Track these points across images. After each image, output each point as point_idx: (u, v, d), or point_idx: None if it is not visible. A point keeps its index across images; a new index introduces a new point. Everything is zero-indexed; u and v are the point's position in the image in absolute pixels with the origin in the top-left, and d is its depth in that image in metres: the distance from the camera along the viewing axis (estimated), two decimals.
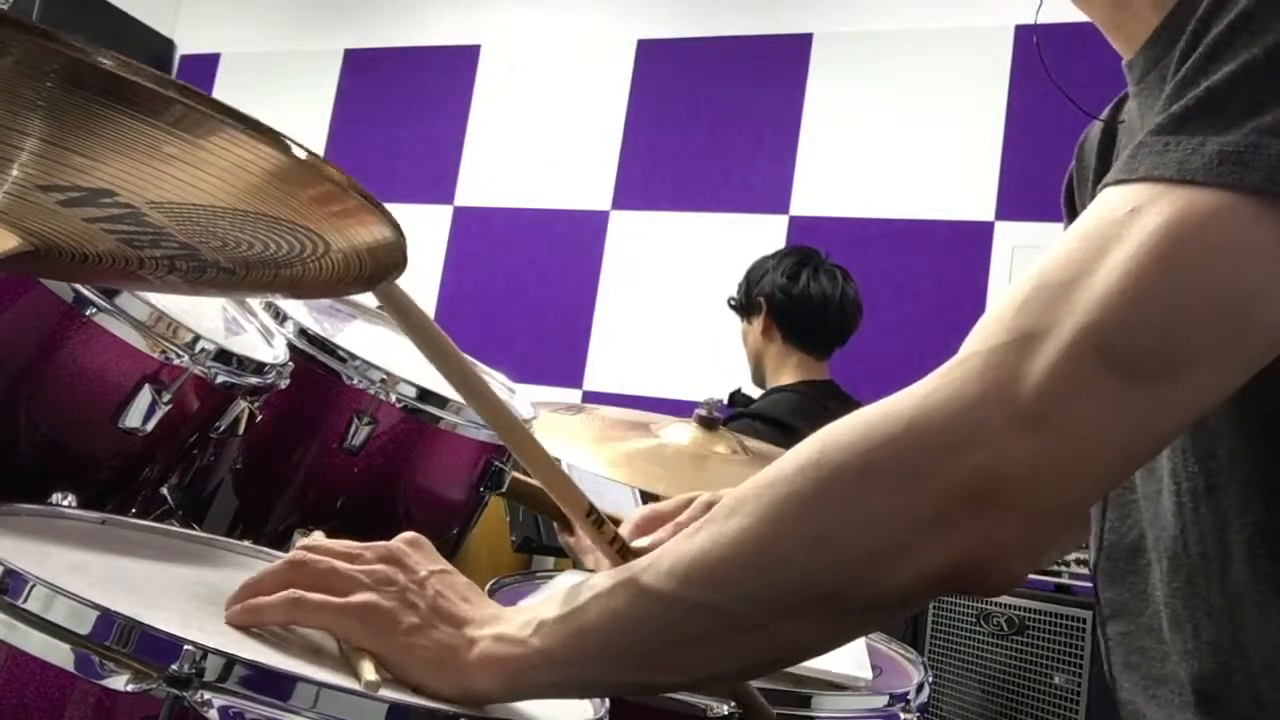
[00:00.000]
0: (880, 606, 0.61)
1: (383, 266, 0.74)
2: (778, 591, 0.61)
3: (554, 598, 0.68)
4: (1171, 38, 0.70)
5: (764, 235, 3.75)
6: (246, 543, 1.01)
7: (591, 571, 1.51)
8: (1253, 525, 0.67)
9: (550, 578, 1.39)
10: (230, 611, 0.71)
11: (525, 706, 0.71)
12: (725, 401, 2.47)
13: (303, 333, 1.26)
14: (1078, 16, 0.80)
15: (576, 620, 0.66)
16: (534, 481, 1.73)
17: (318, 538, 0.78)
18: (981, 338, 0.59)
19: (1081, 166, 0.91)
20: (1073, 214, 0.92)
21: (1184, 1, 0.70)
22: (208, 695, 0.59)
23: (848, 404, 2.40)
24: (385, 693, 0.64)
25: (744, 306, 2.55)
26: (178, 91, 0.44)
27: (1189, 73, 0.59)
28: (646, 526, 0.97)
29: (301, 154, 0.51)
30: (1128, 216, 0.57)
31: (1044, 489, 0.56)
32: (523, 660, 0.66)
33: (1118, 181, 0.60)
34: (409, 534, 0.76)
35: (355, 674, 0.66)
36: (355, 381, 1.25)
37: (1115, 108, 0.88)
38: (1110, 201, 0.59)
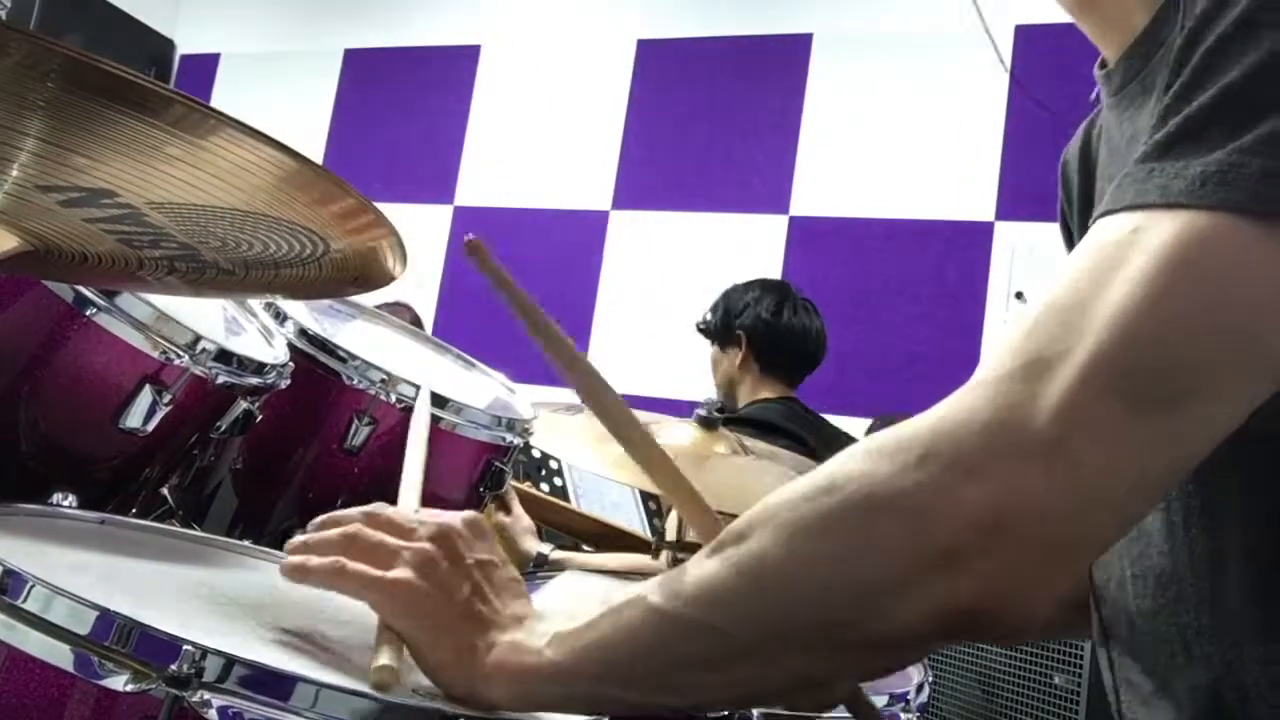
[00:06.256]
0: (886, 644, 0.59)
1: (382, 267, 0.74)
2: (782, 614, 0.60)
3: (573, 612, 0.69)
4: (1149, 49, 0.70)
5: (764, 235, 3.75)
6: (246, 543, 1.01)
7: (532, 552, 1.52)
8: (1251, 546, 0.65)
9: (550, 577, 1.39)
10: (282, 563, 0.73)
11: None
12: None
13: (303, 333, 1.26)
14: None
15: (587, 634, 0.66)
16: (522, 486, 1.73)
17: (380, 507, 0.77)
18: (992, 364, 0.58)
19: (1066, 187, 0.91)
20: (1069, 237, 0.91)
21: (1161, 16, 0.69)
22: (207, 695, 0.59)
23: (822, 420, 2.50)
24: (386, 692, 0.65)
25: (719, 334, 2.57)
26: (178, 94, 0.44)
27: (1172, 100, 0.59)
28: None
29: (300, 156, 0.51)
30: (1129, 237, 0.56)
31: (1058, 522, 0.54)
32: (534, 671, 0.67)
33: (1108, 212, 0.59)
34: (470, 514, 0.77)
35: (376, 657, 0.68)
36: (355, 381, 1.25)
37: (1088, 126, 0.87)
38: (1107, 227, 0.59)
